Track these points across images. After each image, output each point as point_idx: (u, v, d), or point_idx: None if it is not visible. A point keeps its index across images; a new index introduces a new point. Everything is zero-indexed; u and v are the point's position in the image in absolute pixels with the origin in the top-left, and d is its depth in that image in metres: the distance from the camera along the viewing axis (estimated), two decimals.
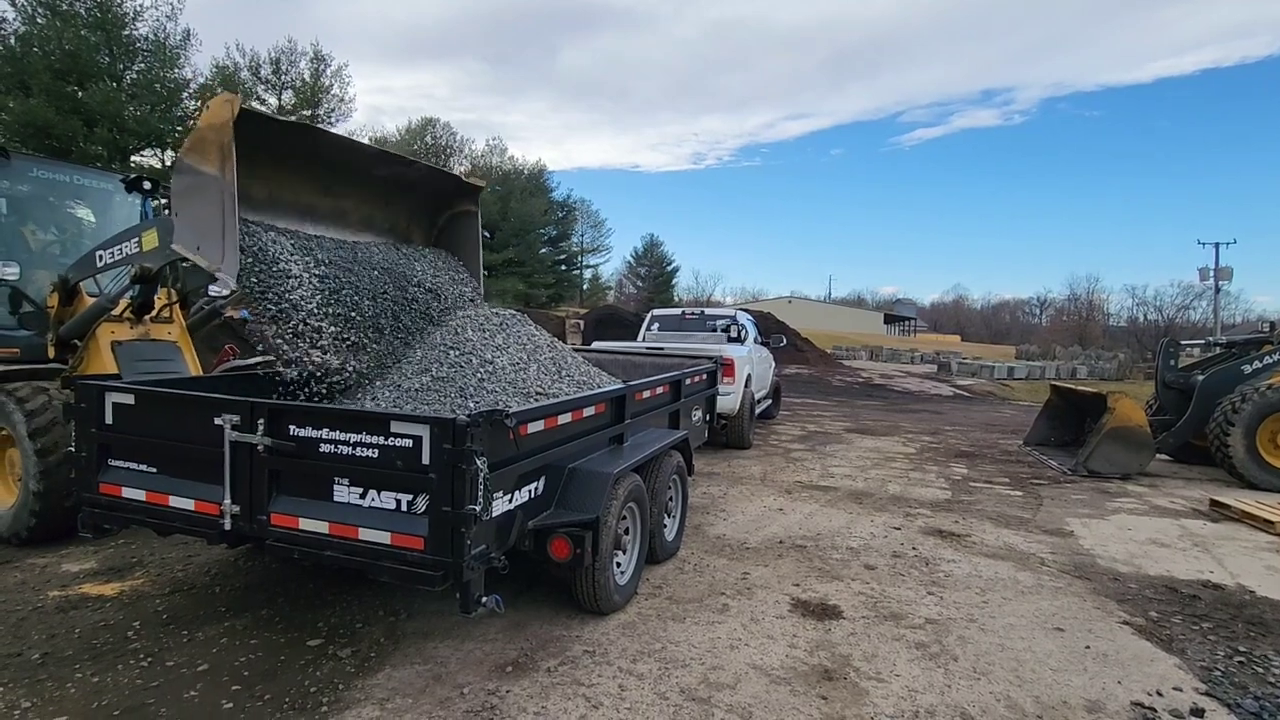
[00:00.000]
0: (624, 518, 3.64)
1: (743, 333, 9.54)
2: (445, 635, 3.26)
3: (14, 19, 25.68)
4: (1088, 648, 3.41)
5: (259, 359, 7.35)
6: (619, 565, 3.64)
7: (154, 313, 5.30)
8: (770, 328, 20.56)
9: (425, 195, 5.19)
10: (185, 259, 3.73)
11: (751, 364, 8.88)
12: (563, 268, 56.22)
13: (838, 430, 10.91)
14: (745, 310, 13.44)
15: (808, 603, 3.84)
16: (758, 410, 9.58)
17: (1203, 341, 10.66)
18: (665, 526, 4.42)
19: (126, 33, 27.68)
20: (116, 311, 5.11)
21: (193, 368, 5.52)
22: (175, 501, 3.03)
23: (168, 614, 3.41)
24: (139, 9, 27.82)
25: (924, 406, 15.76)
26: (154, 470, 3.12)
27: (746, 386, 8.45)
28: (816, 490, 6.59)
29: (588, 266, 62.08)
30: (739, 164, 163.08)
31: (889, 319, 74.16)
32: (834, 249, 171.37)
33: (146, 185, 6.08)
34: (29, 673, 2.82)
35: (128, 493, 3.15)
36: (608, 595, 3.47)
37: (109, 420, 3.20)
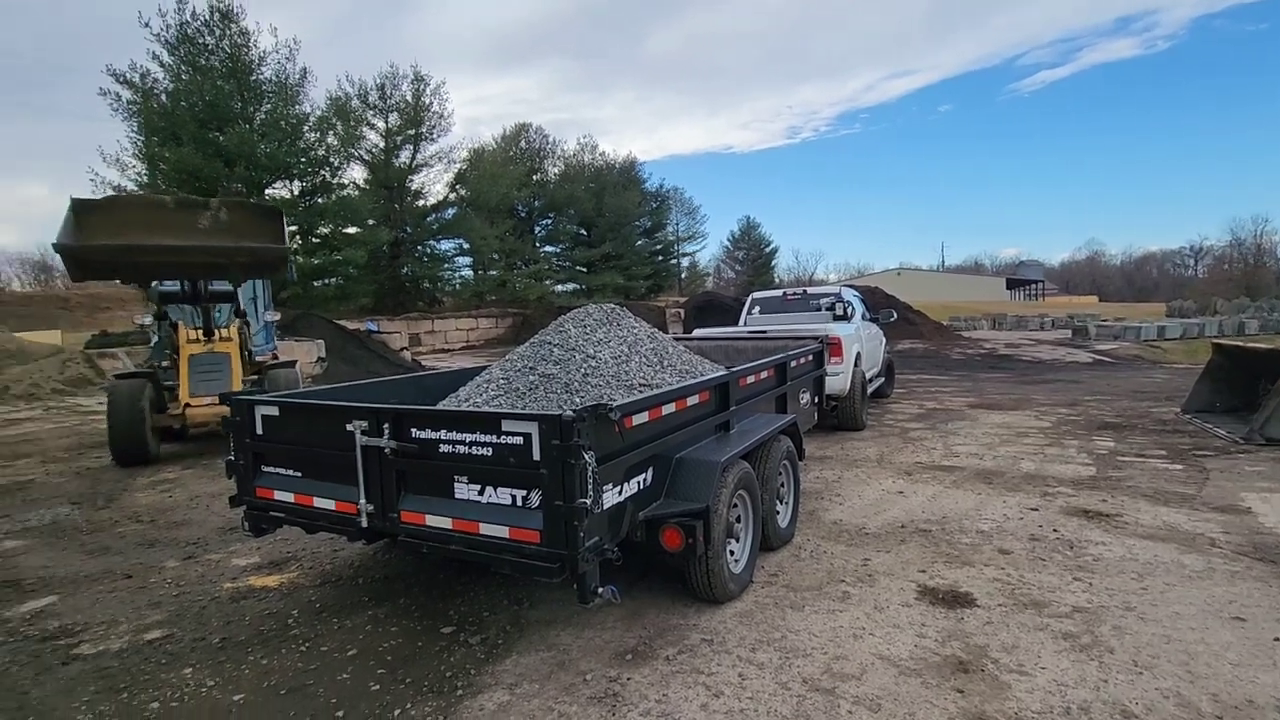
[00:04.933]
0: (734, 505, 3.59)
1: (849, 310, 9.15)
2: (566, 623, 3.37)
3: (164, 78, 28.94)
4: (1277, 640, 3.00)
5: (291, 360, 9.97)
6: (732, 553, 3.60)
7: (217, 334, 8.10)
8: (879, 302, 19.63)
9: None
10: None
11: (860, 341, 8.51)
12: (659, 258, 56.34)
13: (959, 406, 10.24)
14: (850, 286, 12.89)
15: (936, 590, 3.63)
16: (870, 389, 9.16)
17: None
18: (778, 513, 4.32)
19: (254, 78, 30.47)
20: (193, 335, 8.04)
21: (235, 369, 8.00)
22: (319, 502, 3.31)
23: (320, 603, 3.74)
24: (263, 55, 30.53)
25: (1058, 376, 14.47)
26: (299, 474, 3.43)
27: (856, 365, 8.10)
28: (939, 471, 6.22)
29: (684, 255, 61.88)
30: (837, 133, 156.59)
31: (1012, 283, 68.65)
32: (945, 214, 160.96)
33: None
34: (211, 655, 3.19)
35: (279, 495, 3.48)
36: (722, 584, 3.44)
37: (259, 431, 3.54)
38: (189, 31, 28.64)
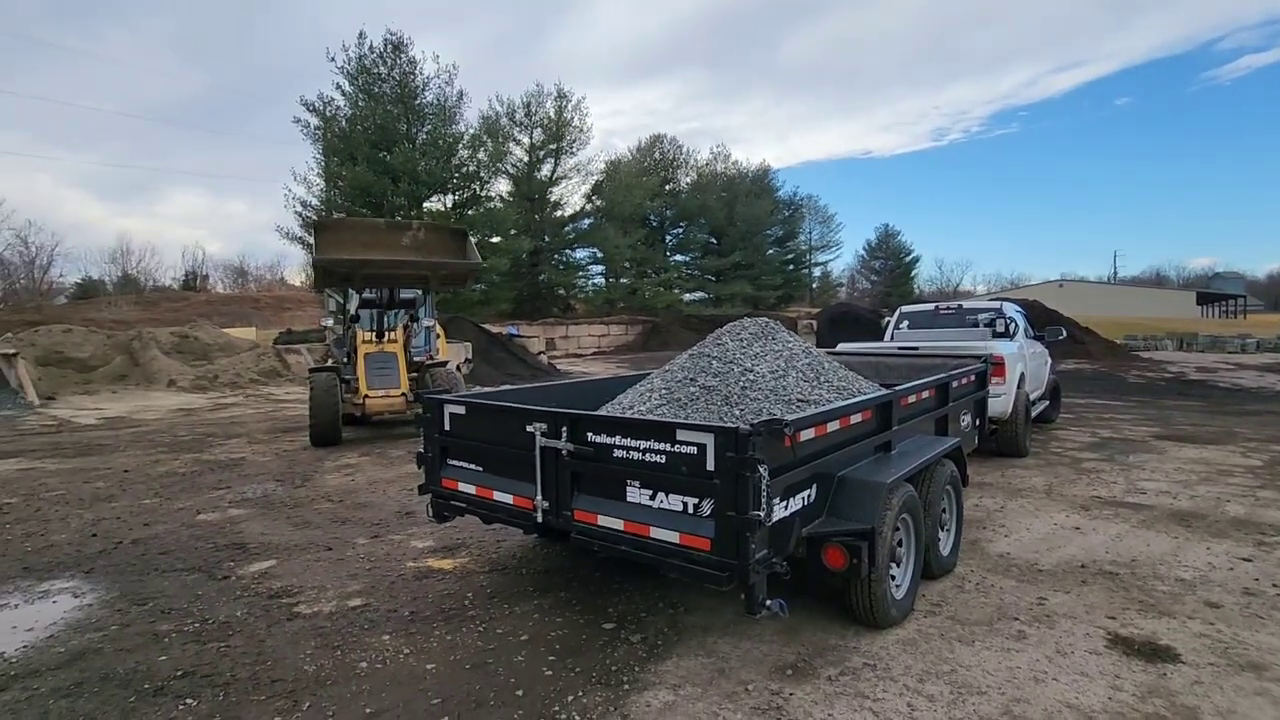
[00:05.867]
0: (898, 529, 3.48)
1: (1011, 326, 8.50)
2: (723, 632, 3.42)
3: (344, 105, 32.50)
4: None
5: (446, 360, 11.25)
6: (894, 578, 3.49)
7: (387, 337, 9.21)
8: (1038, 317, 18.02)
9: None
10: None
11: (1024, 361, 7.87)
12: (790, 267, 55.28)
13: (1142, 436, 9.16)
14: (1009, 300, 11.95)
15: (1130, 640, 3.30)
16: (1034, 413, 8.45)
17: None
18: (940, 540, 4.12)
19: (417, 101, 33.44)
20: (367, 336, 9.18)
21: (401, 367, 9.05)
22: (498, 496, 3.60)
23: (490, 589, 4.06)
24: (426, 80, 33.46)
25: (1268, 407, 12.52)
26: (481, 469, 3.75)
27: (1020, 387, 7.51)
28: (1123, 508, 5.61)
29: (817, 264, 60.23)
30: (990, 133, 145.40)
31: (1204, 298, 60.14)
32: (1120, 220, 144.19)
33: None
34: (404, 626, 3.56)
35: (462, 487, 3.82)
36: (884, 608, 3.34)
37: (447, 427, 3.91)
38: (366, 63, 32.04)
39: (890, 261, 62.17)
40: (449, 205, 34.55)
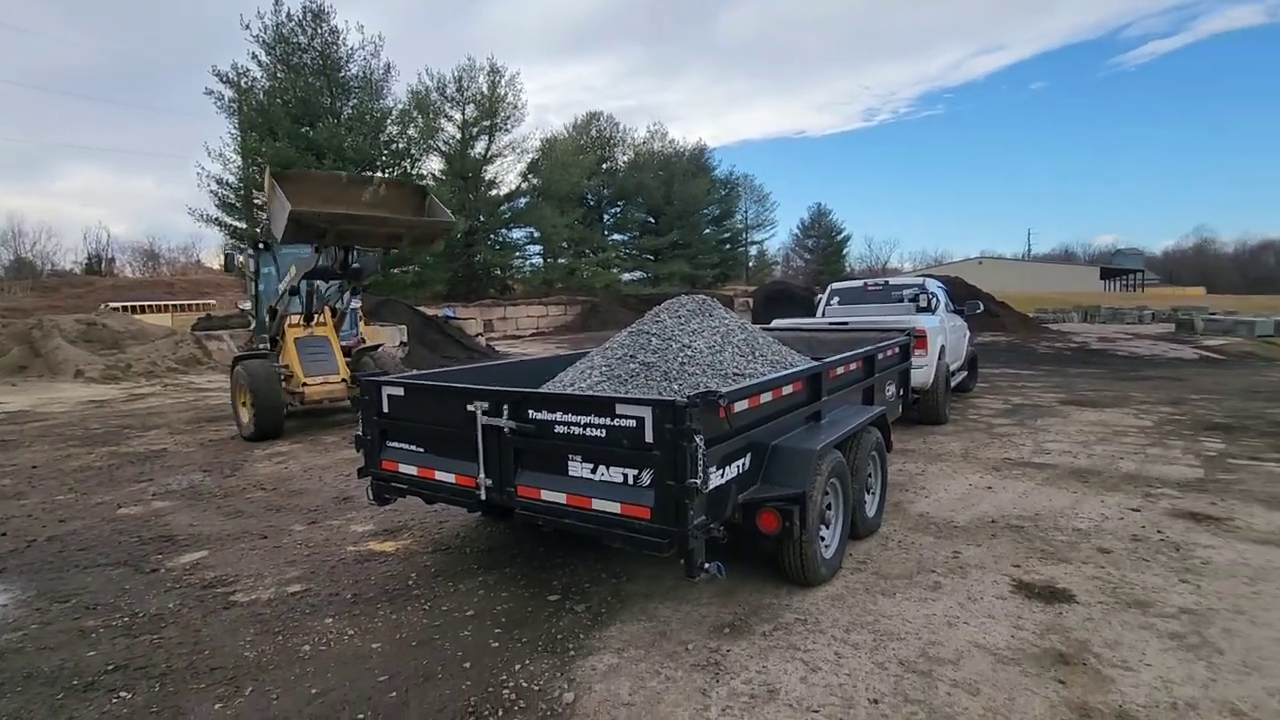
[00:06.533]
0: (827, 493, 3.69)
1: (933, 301, 8.97)
2: (664, 597, 3.56)
3: (261, 76, 30.72)
4: None
5: (379, 344, 10.97)
6: (824, 539, 3.70)
7: (314, 320, 8.89)
8: (960, 293, 18.97)
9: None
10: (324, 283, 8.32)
11: (945, 334, 8.34)
12: (727, 246, 55.97)
13: (1049, 402, 9.87)
14: (930, 276, 12.54)
15: (1031, 584, 3.63)
16: (953, 383, 8.97)
17: None
18: (866, 503, 4.38)
19: (341, 74, 31.95)
20: (295, 320, 8.76)
21: (337, 351, 8.84)
22: (440, 475, 3.62)
23: (435, 568, 4.07)
24: (350, 52, 31.97)
25: (1159, 373, 13.66)
26: (422, 450, 3.74)
27: (940, 358, 7.96)
28: (1030, 468, 6.08)
29: (753, 243, 61.19)
30: (917, 115, 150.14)
31: (1107, 273, 64.41)
32: (1034, 200, 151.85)
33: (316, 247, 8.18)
34: (347, 609, 3.55)
35: (403, 468, 3.81)
36: (815, 568, 3.55)
37: (386, 409, 3.88)
38: (284, 32, 30.33)
39: (823, 240, 63.86)
40: None
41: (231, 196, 31.01)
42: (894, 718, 2.51)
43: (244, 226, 29.61)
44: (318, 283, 8.83)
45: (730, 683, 2.76)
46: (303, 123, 30.06)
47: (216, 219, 31.16)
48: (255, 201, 31.11)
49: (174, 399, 12.67)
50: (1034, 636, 3.08)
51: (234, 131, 30.54)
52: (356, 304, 10.96)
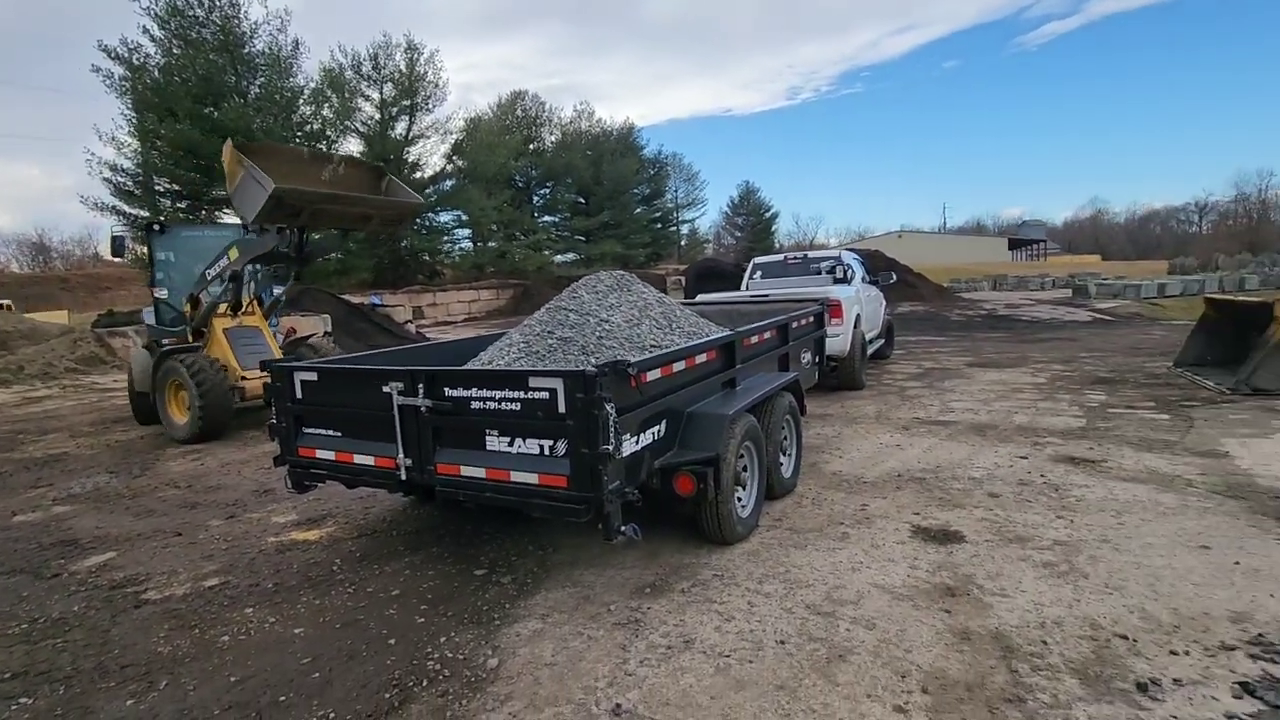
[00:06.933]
0: (742, 456, 3.87)
1: (848, 273, 9.36)
2: (589, 564, 3.68)
3: (155, 52, 28.57)
4: (1237, 564, 3.30)
5: (311, 333, 10.62)
6: (740, 500, 3.89)
7: (243, 309, 8.36)
8: (879, 265, 19.74)
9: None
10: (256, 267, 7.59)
11: (860, 304, 8.73)
12: (658, 226, 56.08)
13: (957, 365, 10.50)
14: (851, 250, 13.04)
15: (928, 529, 3.93)
16: (870, 350, 9.42)
17: None
18: (781, 464, 4.61)
19: (246, 50, 30.10)
20: (221, 310, 8.14)
21: (271, 342, 8.32)
22: (359, 459, 3.60)
23: (360, 553, 4.05)
24: (254, 26, 30.12)
25: (1056, 335, 14.70)
26: (339, 434, 3.70)
27: (856, 327, 8.34)
28: (935, 425, 6.50)
29: (684, 222, 61.55)
30: (838, 93, 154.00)
31: (1014, 244, 68.36)
32: (948, 175, 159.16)
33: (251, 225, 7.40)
34: (268, 598, 3.51)
35: (321, 454, 3.76)
36: (731, 527, 3.74)
37: (299, 395, 3.81)
38: (178, 5, 28.25)
39: (752, 218, 64.86)
40: None
41: (129, 183, 28.87)
42: (798, 655, 2.71)
43: (146, 214, 27.65)
44: (251, 267, 8.27)
45: (649, 637, 2.90)
46: (205, 103, 28.18)
47: (113, 207, 28.94)
48: (156, 188, 29.12)
49: (75, 400, 11.86)
50: (926, 574, 3.36)
51: (127, 112, 28.35)
52: (280, 291, 10.47)
